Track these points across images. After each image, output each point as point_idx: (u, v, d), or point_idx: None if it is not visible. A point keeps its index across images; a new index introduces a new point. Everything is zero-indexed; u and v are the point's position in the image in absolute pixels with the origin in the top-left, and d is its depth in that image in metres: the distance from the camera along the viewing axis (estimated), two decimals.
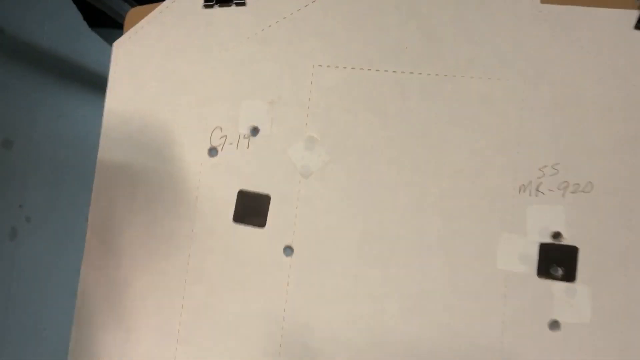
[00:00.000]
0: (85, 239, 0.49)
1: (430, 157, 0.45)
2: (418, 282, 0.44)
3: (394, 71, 0.46)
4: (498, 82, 0.45)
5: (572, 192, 0.43)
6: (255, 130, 0.47)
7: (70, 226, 0.97)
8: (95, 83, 1.01)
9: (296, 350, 0.44)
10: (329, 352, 0.44)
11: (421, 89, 0.45)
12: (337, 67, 0.46)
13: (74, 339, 0.49)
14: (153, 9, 0.50)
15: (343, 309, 0.44)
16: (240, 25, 0.48)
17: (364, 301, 0.44)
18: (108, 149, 0.49)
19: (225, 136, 0.47)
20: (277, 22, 0.48)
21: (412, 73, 0.46)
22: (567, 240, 0.43)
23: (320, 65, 0.46)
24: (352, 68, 0.46)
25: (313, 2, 0.48)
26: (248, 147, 0.47)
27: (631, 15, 0.44)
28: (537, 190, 0.44)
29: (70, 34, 0.94)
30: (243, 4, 0.48)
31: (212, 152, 0.47)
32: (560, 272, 0.43)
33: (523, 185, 0.44)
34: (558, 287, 0.43)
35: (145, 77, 0.49)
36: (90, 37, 0.96)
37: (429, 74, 0.46)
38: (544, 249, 0.43)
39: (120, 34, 0.51)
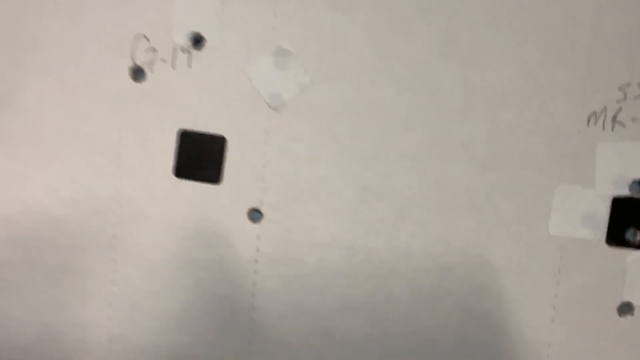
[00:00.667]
0: None
1: (461, 76, 0.30)
2: (439, 255, 0.31)
3: None
4: None
5: None
6: (198, 40, 0.31)
7: None
8: None
9: (270, 349, 0.33)
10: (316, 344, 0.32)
11: None
12: None
13: None
14: None
15: (334, 298, 0.32)
16: None
17: (364, 285, 0.32)
18: None
19: (154, 50, 0.32)
20: None
21: None
22: None
23: None
24: None
25: None
26: (190, 66, 0.32)
27: None
28: (614, 120, 0.30)
29: None
30: None
31: (138, 74, 0.32)
32: (639, 238, 0.31)
33: (594, 113, 0.30)
34: (634, 258, 0.31)
35: None
36: None
37: None
38: (619, 205, 0.31)
39: None
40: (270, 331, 0.32)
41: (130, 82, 0.32)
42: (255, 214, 0.32)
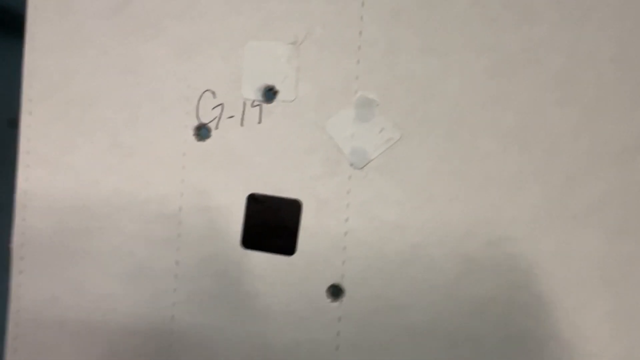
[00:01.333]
0: None
1: (584, 125, 0.25)
2: None
3: None
4: None
5: None
6: (270, 93, 0.28)
7: None
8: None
9: None
10: None
11: None
12: None
13: None
14: None
15: None
16: None
17: None
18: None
19: (222, 105, 0.28)
20: None
21: None
22: None
23: None
24: None
25: None
26: (260, 122, 0.28)
27: None
28: None
29: None
30: None
31: (202, 131, 0.28)
32: None
33: None
34: None
35: (79, 14, 0.30)
36: None
37: None
38: None
39: None
40: None
41: (193, 140, 0.28)
42: (335, 291, 0.27)
